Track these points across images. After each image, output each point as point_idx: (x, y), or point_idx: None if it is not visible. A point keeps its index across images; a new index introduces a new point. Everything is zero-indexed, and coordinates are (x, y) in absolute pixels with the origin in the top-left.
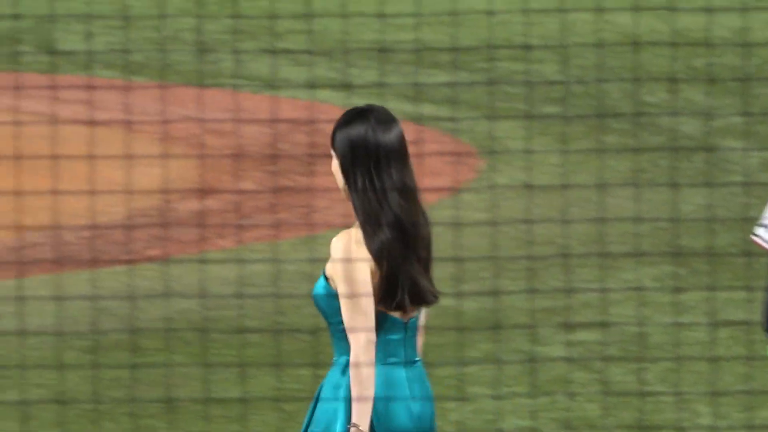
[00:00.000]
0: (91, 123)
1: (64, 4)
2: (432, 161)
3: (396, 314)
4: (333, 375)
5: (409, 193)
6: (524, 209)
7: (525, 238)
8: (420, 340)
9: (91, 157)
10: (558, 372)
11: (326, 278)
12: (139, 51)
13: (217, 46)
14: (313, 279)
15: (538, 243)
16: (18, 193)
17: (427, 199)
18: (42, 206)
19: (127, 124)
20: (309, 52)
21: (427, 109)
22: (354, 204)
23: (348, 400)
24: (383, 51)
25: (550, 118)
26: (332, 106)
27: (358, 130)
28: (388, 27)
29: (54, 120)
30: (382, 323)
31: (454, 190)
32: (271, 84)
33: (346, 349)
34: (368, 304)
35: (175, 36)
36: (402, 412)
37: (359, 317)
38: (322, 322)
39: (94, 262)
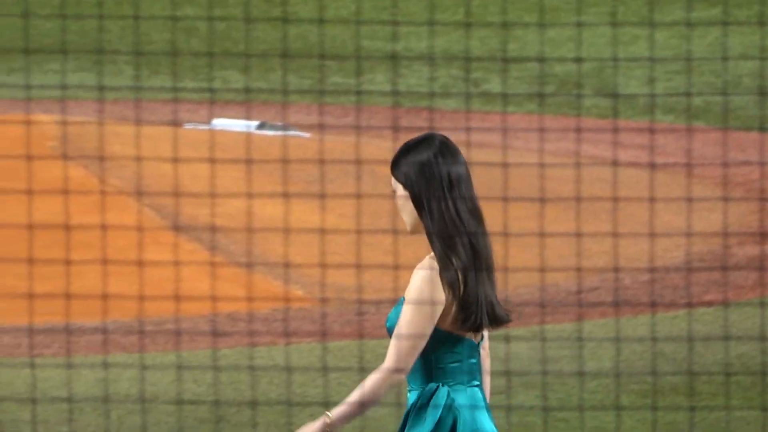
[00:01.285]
0: (651, 167)
1: (627, 48)
2: None
3: (473, 338)
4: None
5: (479, 214)
6: None
7: None
8: (487, 362)
9: (650, 201)
10: None
11: None
12: (700, 95)
13: None
14: None
15: None
16: (578, 236)
17: None
18: (601, 250)
19: (688, 169)
20: None
21: None
22: (429, 234)
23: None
24: None
25: None
26: None
27: (426, 155)
28: None
29: (614, 164)
30: (463, 348)
31: None
32: None
33: (426, 381)
34: (422, 345)
35: (737, 80)
36: (490, 428)
37: (408, 353)
38: None
39: (653, 306)
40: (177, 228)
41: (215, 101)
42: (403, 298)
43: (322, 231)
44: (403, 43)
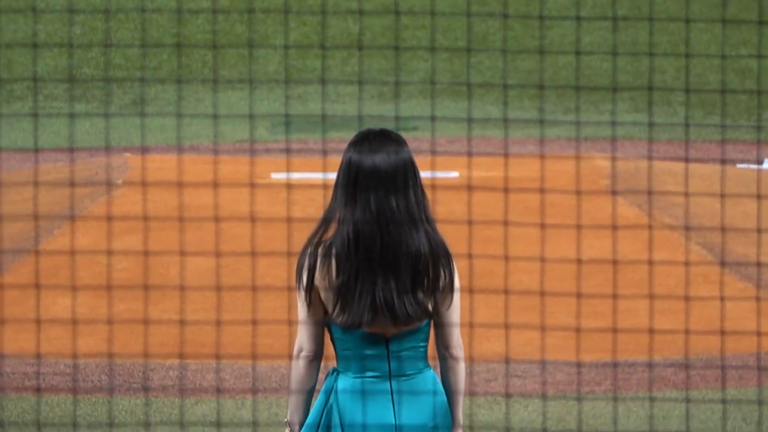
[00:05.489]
0: None
1: None
2: None
3: (366, 330)
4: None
5: (386, 213)
6: None
7: None
8: (453, 374)
9: None
10: None
11: None
12: None
13: None
14: None
15: None
16: None
17: None
18: None
19: None
20: None
21: None
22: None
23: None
24: None
25: None
26: None
27: (349, 154)
28: None
29: None
30: (353, 338)
31: None
32: None
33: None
34: (306, 326)
35: None
36: (372, 421)
37: (300, 333)
38: None
39: None
40: (724, 264)
41: (764, 141)
42: None
43: None
44: None
